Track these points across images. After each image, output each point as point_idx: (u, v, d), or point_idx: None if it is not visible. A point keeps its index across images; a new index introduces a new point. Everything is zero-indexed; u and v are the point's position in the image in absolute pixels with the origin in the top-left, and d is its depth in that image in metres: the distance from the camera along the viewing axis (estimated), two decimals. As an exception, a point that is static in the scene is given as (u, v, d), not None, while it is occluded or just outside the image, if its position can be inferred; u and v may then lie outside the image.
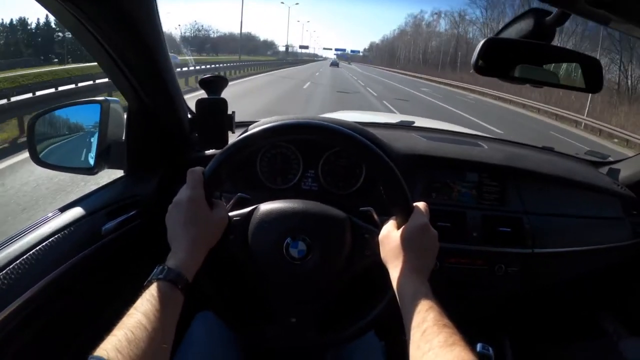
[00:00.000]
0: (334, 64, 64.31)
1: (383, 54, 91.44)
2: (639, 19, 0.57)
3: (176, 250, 0.64)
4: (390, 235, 0.69)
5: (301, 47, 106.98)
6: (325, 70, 37.44)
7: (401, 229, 0.67)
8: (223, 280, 0.74)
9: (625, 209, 1.22)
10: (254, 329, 0.74)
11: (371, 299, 0.73)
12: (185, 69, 13.19)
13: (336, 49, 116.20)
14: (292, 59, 71.55)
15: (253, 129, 0.72)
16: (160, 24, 0.80)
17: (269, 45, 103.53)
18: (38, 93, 7.91)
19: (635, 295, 1.34)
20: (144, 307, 0.55)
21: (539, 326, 1.34)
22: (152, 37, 0.79)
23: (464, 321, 0.56)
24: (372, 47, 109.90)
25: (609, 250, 1.19)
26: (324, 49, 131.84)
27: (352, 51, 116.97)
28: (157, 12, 0.77)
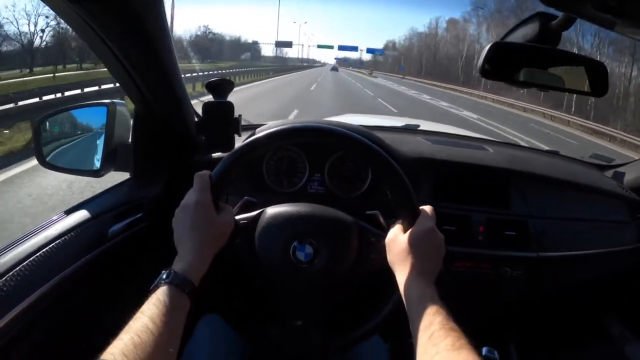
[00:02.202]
0: (334, 68, 53.84)
1: (414, 59, 54.46)
2: None
3: (183, 254, 0.65)
4: (396, 238, 0.69)
5: (279, 44, 63.88)
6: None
7: (407, 233, 0.68)
8: (230, 283, 0.75)
9: (631, 213, 1.22)
10: (260, 331, 0.75)
11: (377, 302, 0.74)
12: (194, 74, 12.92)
13: (340, 47, 67.19)
14: (277, 65, 47.44)
15: (260, 133, 0.72)
16: (169, 29, 0.81)
17: (244, 47, 61.25)
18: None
19: None
20: (151, 311, 0.55)
21: (545, 330, 1.34)
22: (160, 41, 0.80)
23: (469, 325, 0.57)
24: (388, 48, 69.66)
25: (614, 254, 1.18)
26: (319, 46, 75.55)
27: (369, 50, 68.21)
28: (166, 18, 0.78)
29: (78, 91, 8.88)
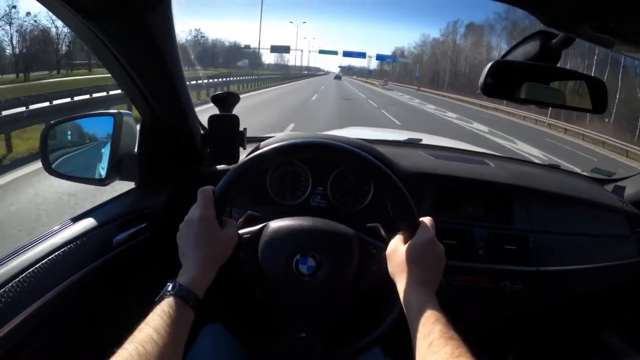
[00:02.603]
0: (338, 77, 51.53)
1: (427, 68, 47.86)
2: None
3: (187, 268, 0.66)
4: (397, 250, 0.70)
5: (275, 49, 55.99)
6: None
7: (408, 244, 0.69)
8: (233, 296, 0.75)
9: (631, 227, 1.22)
10: (263, 343, 0.75)
11: (379, 314, 0.74)
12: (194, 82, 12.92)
13: (345, 53, 59.32)
14: (276, 74, 42.51)
15: (263, 149, 0.73)
16: (176, 40, 0.82)
17: (242, 53, 57.19)
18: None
19: None
20: (155, 322, 0.56)
21: (545, 344, 1.33)
22: (168, 52, 0.81)
23: (469, 338, 0.57)
24: (397, 55, 62.26)
25: (615, 268, 1.19)
26: (321, 52, 62.92)
27: (379, 57, 61.60)
28: (174, 29, 0.79)
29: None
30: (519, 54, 0.76)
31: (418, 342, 0.57)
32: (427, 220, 0.72)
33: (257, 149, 0.76)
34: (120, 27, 0.70)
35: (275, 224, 0.76)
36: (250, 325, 0.76)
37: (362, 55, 61.49)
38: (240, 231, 0.75)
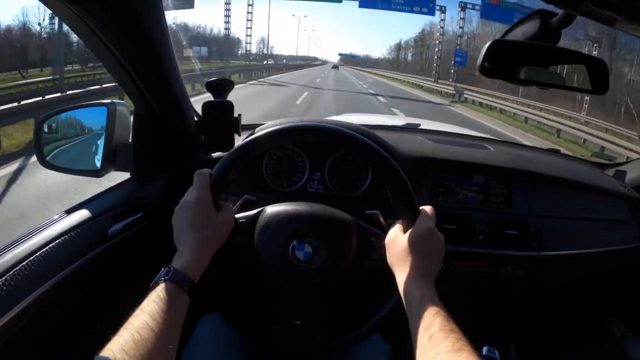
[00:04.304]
0: (335, 67, 45.80)
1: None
2: None
3: (182, 252, 0.65)
4: (396, 239, 0.69)
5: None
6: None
7: (407, 233, 0.68)
8: (229, 282, 0.75)
9: (632, 211, 1.22)
10: (259, 330, 0.75)
11: (377, 302, 0.74)
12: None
13: (363, 2, 19.84)
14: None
15: (260, 132, 0.72)
16: (166, 26, 0.81)
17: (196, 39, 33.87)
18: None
19: None
20: (150, 308, 0.55)
21: (546, 329, 1.34)
22: (158, 40, 0.80)
23: (470, 324, 0.56)
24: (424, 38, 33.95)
25: (616, 252, 1.18)
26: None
27: (487, 13, 18.37)
28: (164, 15, 0.78)
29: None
30: (518, 34, 0.75)
31: (418, 334, 0.57)
32: (427, 209, 0.71)
33: (253, 134, 0.75)
34: (107, 11, 0.68)
35: (272, 209, 0.74)
36: (246, 312, 0.75)
37: (424, 4, 21.99)
38: (237, 215, 0.74)
